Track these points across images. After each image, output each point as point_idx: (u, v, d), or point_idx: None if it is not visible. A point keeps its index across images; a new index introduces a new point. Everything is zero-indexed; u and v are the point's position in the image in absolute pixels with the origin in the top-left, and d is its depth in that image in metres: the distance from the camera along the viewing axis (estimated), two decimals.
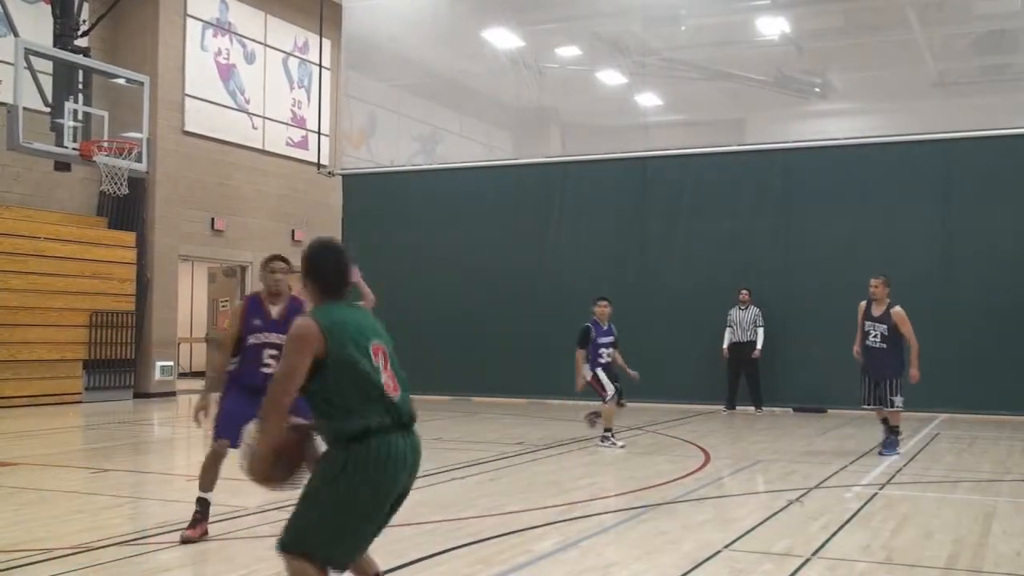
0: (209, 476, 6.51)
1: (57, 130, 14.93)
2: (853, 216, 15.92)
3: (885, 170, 15.93)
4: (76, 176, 17.32)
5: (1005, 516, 7.33)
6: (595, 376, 11.30)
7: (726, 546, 6.21)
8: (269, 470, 3.90)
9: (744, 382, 16.14)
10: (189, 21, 19.73)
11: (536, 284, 17.80)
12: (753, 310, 16.10)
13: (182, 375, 20.25)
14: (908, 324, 10.56)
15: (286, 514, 3.92)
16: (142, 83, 15.64)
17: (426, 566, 5.70)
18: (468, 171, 19.22)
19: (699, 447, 11.34)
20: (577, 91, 20.58)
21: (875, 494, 8.21)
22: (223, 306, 21.57)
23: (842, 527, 6.83)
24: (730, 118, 19.45)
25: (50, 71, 15.22)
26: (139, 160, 15.38)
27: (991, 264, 15.08)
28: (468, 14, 20.53)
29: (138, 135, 15.50)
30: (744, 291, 16.11)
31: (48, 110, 15.04)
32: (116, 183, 15.05)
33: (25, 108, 13.92)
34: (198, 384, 7.19)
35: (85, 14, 16.64)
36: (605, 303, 11.53)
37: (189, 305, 23.31)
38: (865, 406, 10.87)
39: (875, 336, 10.65)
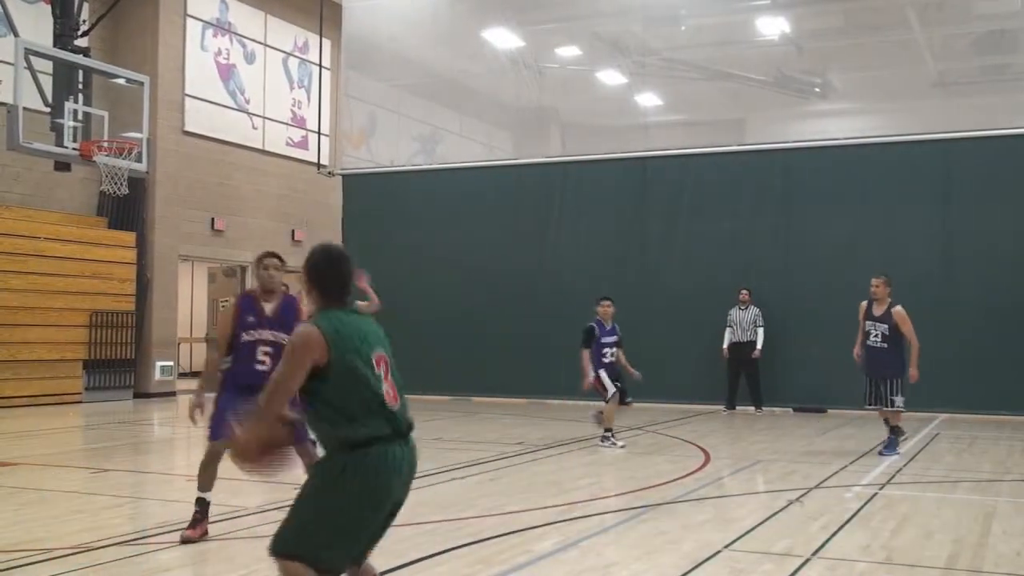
0: (207, 476, 6.51)
1: (57, 130, 14.93)
2: (853, 216, 15.92)
3: (885, 170, 15.93)
4: (76, 176, 17.32)
5: (1005, 516, 7.33)
6: (597, 376, 11.30)
7: (726, 546, 6.21)
8: (256, 457, 3.90)
9: (744, 382, 16.14)
10: (189, 21, 19.73)
11: (536, 284, 17.80)
12: (753, 310, 16.10)
13: (182, 375, 20.25)
14: (909, 324, 10.55)
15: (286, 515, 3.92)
16: (142, 83, 15.64)
17: (426, 566, 5.70)
18: (468, 171, 19.22)
19: (699, 447, 11.34)
20: (577, 91, 20.58)
21: (875, 494, 8.21)
22: (223, 306, 21.58)
23: (842, 527, 6.83)
24: (730, 118, 19.45)
25: (50, 71, 15.22)
26: (139, 160, 15.38)
27: (991, 264, 15.08)
28: (468, 14, 20.53)
29: (138, 135, 15.50)
30: (744, 291, 16.11)
31: (48, 110, 15.05)
32: (116, 183, 15.05)
33: (25, 108, 13.92)
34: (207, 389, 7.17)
35: (85, 14, 16.64)
36: (608, 303, 11.53)
37: (189, 305, 23.32)
38: (867, 406, 10.86)
39: (876, 336, 10.65)
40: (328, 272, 3.92)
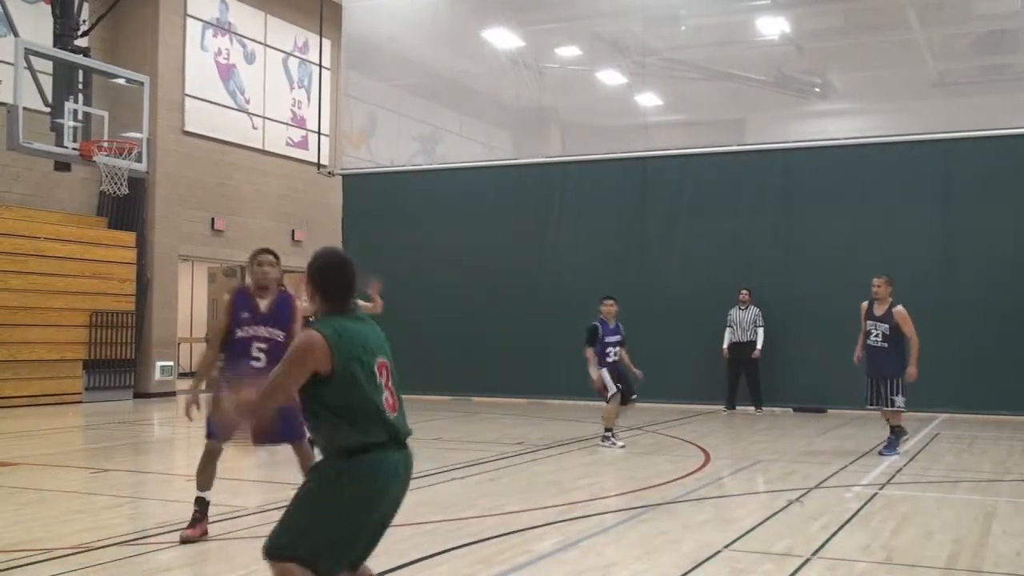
0: (206, 475, 6.52)
1: (57, 130, 14.93)
2: (853, 216, 15.92)
3: (885, 170, 15.93)
4: (76, 176, 17.32)
5: (1005, 516, 7.33)
6: (599, 376, 11.30)
7: (726, 546, 6.21)
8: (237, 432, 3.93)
9: (744, 382, 16.14)
10: (189, 21, 19.73)
11: (536, 284, 17.80)
12: (753, 310, 16.10)
13: (182, 375, 20.25)
14: (910, 323, 10.55)
15: None
16: (142, 83, 15.64)
17: (426, 566, 5.70)
18: (468, 171, 19.22)
19: (699, 447, 11.33)
20: (577, 91, 20.58)
21: (875, 494, 8.21)
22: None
23: (842, 527, 6.83)
24: (730, 118, 19.45)
25: (50, 71, 15.22)
26: (139, 160, 15.38)
27: (991, 264, 15.08)
28: (468, 14, 20.52)
29: (138, 135, 15.50)
30: (744, 291, 16.11)
31: (48, 110, 15.04)
32: (116, 183, 15.05)
33: (25, 108, 13.92)
34: (202, 387, 7.18)
35: (85, 14, 16.64)
36: (612, 302, 11.53)
37: (189, 305, 23.32)
38: (868, 406, 10.85)
39: (876, 335, 10.64)
40: (332, 276, 3.91)
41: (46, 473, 9.57)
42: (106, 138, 15.39)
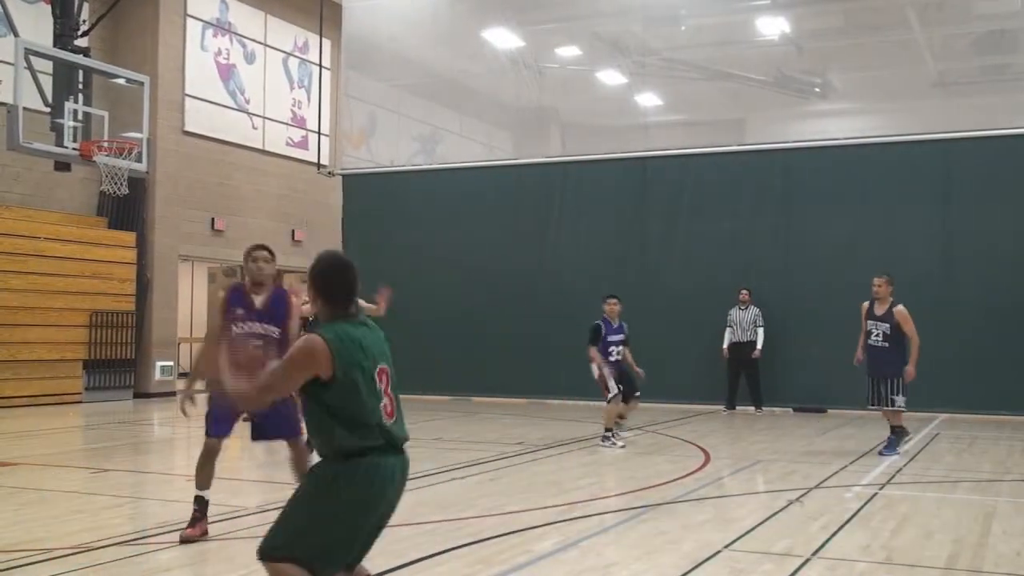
0: (205, 474, 6.52)
1: (57, 130, 14.93)
2: (853, 216, 15.92)
3: (885, 170, 15.92)
4: (76, 176, 17.32)
5: (1005, 516, 7.33)
6: (601, 375, 11.31)
7: (726, 546, 6.21)
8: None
9: (744, 382, 16.14)
10: (189, 21, 19.73)
11: (536, 284, 17.80)
12: (753, 310, 16.10)
13: (182, 375, 20.25)
14: (911, 323, 10.54)
15: None
16: (142, 83, 15.65)
17: (426, 566, 5.70)
18: (468, 171, 19.22)
19: (699, 447, 11.33)
20: (577, 91, 20.58)
21: (875, 494, 8.21)
22: None
23: (842, 527, 6.83)
24: (730, 118, 19.45)
25: (50, 71, 15.23)
26: (139, 160, 15.38)
27: (991, 264, 15.08)
28: (468, 14, 20.52)
29: (138, 135, 15.50)
30: (744, 291, 16.11)
31: (48, 110, 15.05)
32: (116, 183, 15.06)
33: (25, 108, 13.92)
34: (198, 384, 7.19)
35: (85, 14, 16.65)
36: (615, 301, 11.54)
37: (189, 305, 23.32)
38: (870, 407, 10.85)
39: (877, 335, 10.64)
40: (334, 279, 3.92)
41: (46, 473, 9.57)
42: (106, 138, 15.39)
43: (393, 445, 3.84)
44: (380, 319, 8.49)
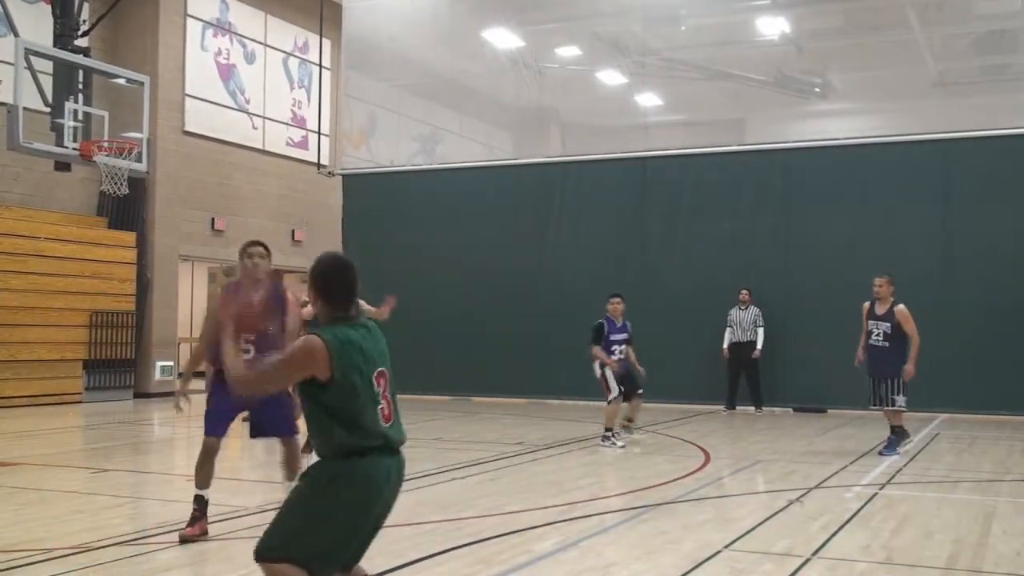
0: (204, 473, 6.52)
1: (57, 130, 14.93)
2: (853, 216, 15.92)
3: (885, 170, 15.92)
4: (76, 176, 17.32)
5: (1005, 516, 7.33)
6: (603, 375, 11.32)
7: (726, 546, 6.21)
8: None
9: (744, 382, 16.13)
10: (189, 21, 19.73)
11: (536, 284, 17.80)
12: (753, 310, 16.10)
13: (181, 375, 20.26)
14: (911, 322, 10.54)
15: None
16: (142, 83, 15.65)
17: (426, 566, 5.70)
18: (468, 171, 19.22)
19: (699, 447, 11.33)
20: (577, 91, 20.58)
21: (875, 494, 8.21)
22: None
23: (842, 527, 6.83)
24: (730, 118, 19.45)
25: (50, 71, 15.23)
26: (139, 160, 15.38)
27: (991, 264, 15.08)
28: (468, 14, 20.52)
29: (138, 135, 15.50)
30: (744, 291, 16.11)
31: (48, 110, 15.05)
32: (116, 183, 15.06)
33: (25, 108, 13.92)
34: (198, 384, 7.21)
35: (85, 14, 16.65)
36: (618, 300, 11.56)
37: (189, 305, 23.33)
38: (872, 407, 10.85)
39: (878, 335, 10.64)
40: (334, 280, 3.92)
41: (46, 473, 9.58)
42: (106, 138, 15.39)
43: (390, 447, 3.85)
44: (382, 322, 8.51)
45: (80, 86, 15.57)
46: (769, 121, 19.19)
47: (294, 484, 4.00)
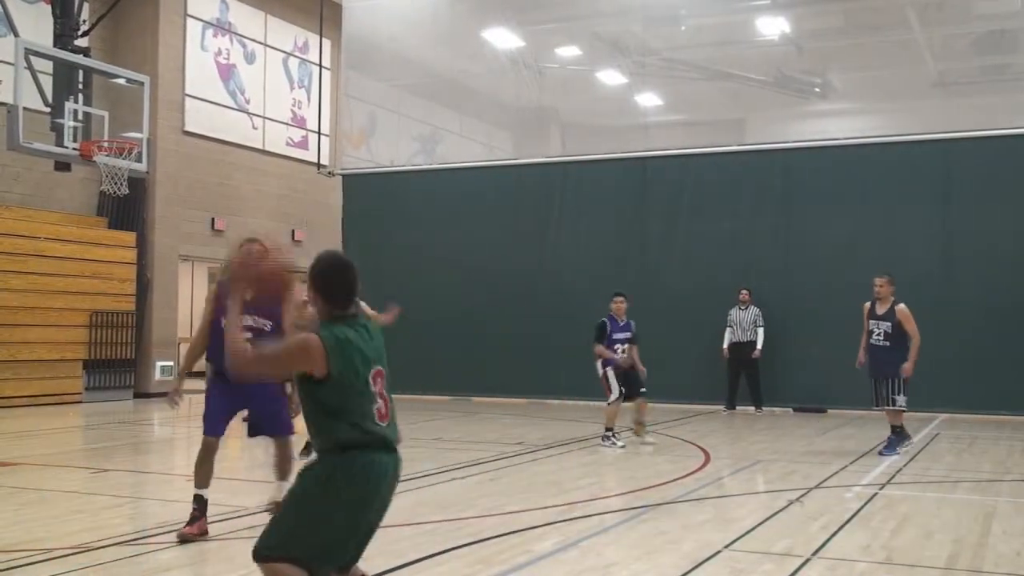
0: (203, 472, 6.53)
1: (57, 130, 14.94)
2: (853, 216, 15.92)
3: (885, 170, 15.92)
4: (76, 176, 17.32)
5: (1005, 516, 7.33)
6: (605, 375, 11.32)
7: (726, 546, 6.21)
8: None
9: (744, 382, 16.13)
10: (189, 21, 19.74)
11: (536, 284, 17.79)
12: (753, 310, 16.10)
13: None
14: (912, 321, 10.55)
15: None
16: (142, 83, 15.66)
17: (426, 566, 5.70)
18: (468, 171, 19.22)
19: (699, 447, 11.33)
20: (577, 91, 20.58)
21: (875, 494, 8.21)
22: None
23: (842, 527, 6.83)
24: (730, 118, 19.45)
25: (50, 71, 15.23)
26: (139, 160, 15.39)
27: (991, 264, 15.08)
28: (468, 14, 20.53)
29: (138, 135, 15.51)
30: (744, 291, 16.11)
31: (48, 110, 15.06)
32: (116, 183, 15.06)
33: (25, 108, 13.93)
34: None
35: (85, 14, 16.65)
36: (622, 299, 11.58)
37: (189, 305, 23.32)
38: (875, 407, 10.85)
39: (878, 334, 10.64)
40: (334, 279, 3.93)
41: (46, 473, 9.57)
42: (106, 138, 15.40)
43: (387, 444, 3.86)
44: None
45: (80, 86, 15.58)
46: (769, 121, 19.19)
47: (286, 484, 4.01)
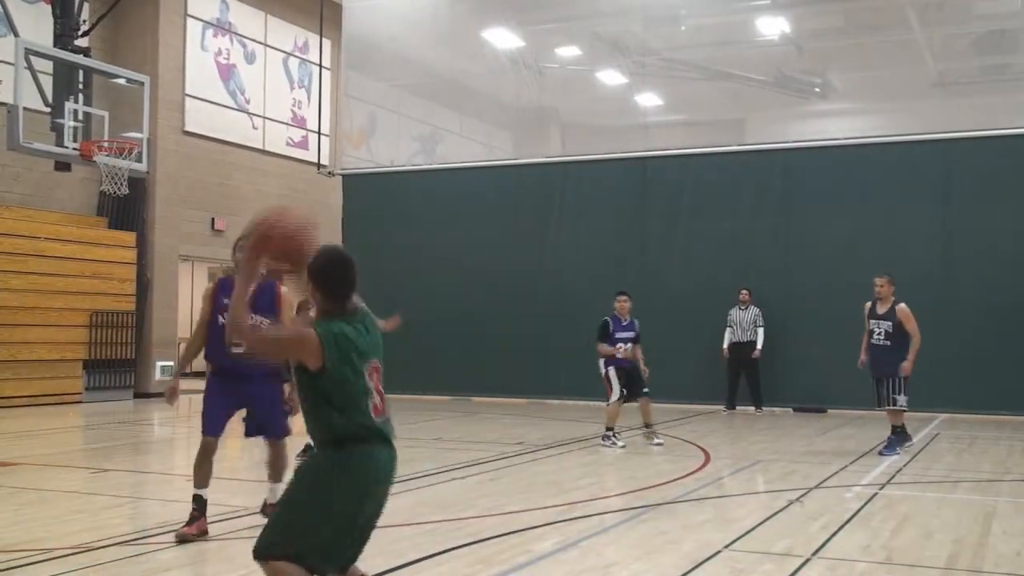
0: (202, 472, 6.53)
1: (57, 130, 14.94)
2: (853, 216, 15.92)
3: (885, 170, 15.92)
4: (76, 176, 17.32)
5: (1005, 516, 7.33)
6: (607, 375, 11.32)
7: (726, 546, 6.21)
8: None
9: (744, 382, 16.13)
10: (189, 21, 19.74)
11: (536, 284, 17.79)
12: (753, 310, 16.10)
13: (182, 375, 20.24)
14: (913, 321, 10.56)
15: None
16: (142, 83, 15.66)
17: (426, 566, 5.70)
18: (468, 171, 19.22)
19: (699, 447, 11.33)
20: (577, 91, 20.58)
21: (875, 494, 8.21)
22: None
23: (842, 527, 6.83)
24: (730, 118, 19.45)
25: (50, 71, 15.23)
26: (139, 160, 15.39)
27: (991, 264, 15.08)
28: (468, 14, 20.53)
29: (138, 135, 15.51)
30: (744, 291, 16.11)
31: (48, 110, 15.06)
32: (116, 183, 15.06)
33: (25, 108, 13.93)
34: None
35: (85, 14, 16.65)
36: (625, 298, 11.57)
37: (189, 305, 23.31)
38: (878, 408, 10.84)
39: (879, 334, 10.64)
40: (334, 274, 3.93)
41: (46, 473, 9.57)
42: (106, 138, 15.40)
43: (383, 438, 3.87)
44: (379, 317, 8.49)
45: (80, 86, 15.58)
46: (769, 121, 19.19)
47: (280, 486, 4.01)
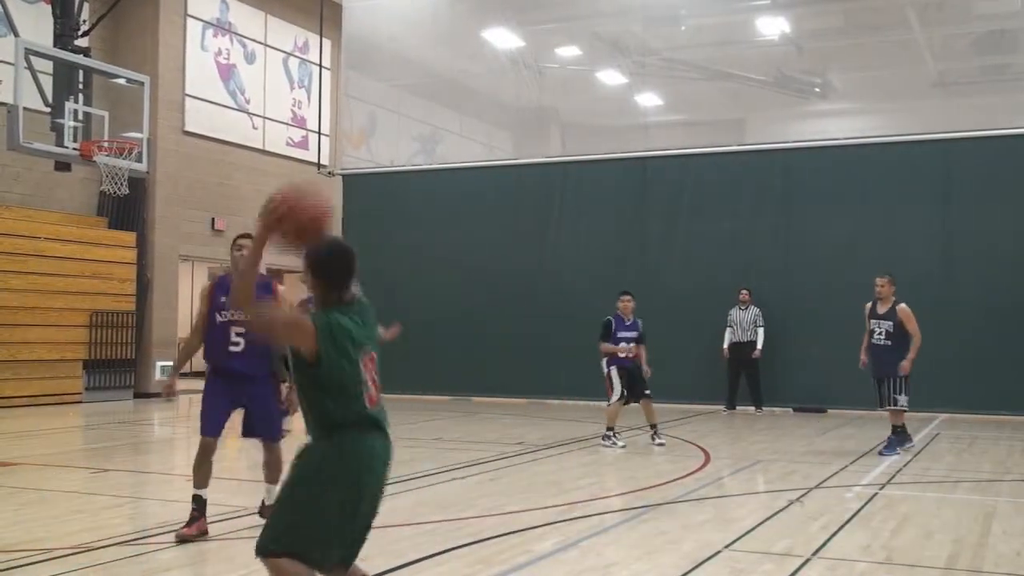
0: (202, 473, 6.53)
1: (57, 130, 14.94)
2: (853, 216, 15.92)
3: (885, 170, 15.93)
4: (76, 176, 17.32)
5: (1005, 516, 7.33)
6: (608, 375, 11.32)
7: (726, 546, 6.21)
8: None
9: (744, 382, 16.13)
10: (189, 21, 19.74)
11: (536, 284, 17.79)
12: (753, 310, 16.10)
13: (182, 375, 20.24)
14: (914, 321, 10.56)
15: None
16: (142, 83, 15.65)
17: (426, 566, 5.70)
18: (468, 171, 19.22)
19: (699, 447, 11.34)
20: (577, 91, 20.59)
21: (875, 494, 8.21)
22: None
23: (842, 527, 6.83)
24: (730, 118, 19.45)
25: (50, 71, 15.23)
26: (139, 160, 15.39)
27: (991, 264, 15.08)
28: (468, 14, 20.53)
29: (138, 135, 15.51)
30: (744, 291, 16.11)
31: (48, 110, 15.05)
32: (116, 183, 15.06)
33: (25, 108, 13.92)
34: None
35: (85, 14, 16.65)
36: (628, 298, 11.58)
37: (189, 305, 23.30)
38: (879, 408, 10.84)
39: (880, 334, 10.65)
40: (333, 264, 3.92)
41: (46, 473, 9.57)
42: (106, 138, 15.39)
43: (378, 426, 3.88)
44: (380, 317, 8.49)
45: (80, 86, 15.58)
46: (769, 121, 19.19)
47: (276, 488, 4.00)
